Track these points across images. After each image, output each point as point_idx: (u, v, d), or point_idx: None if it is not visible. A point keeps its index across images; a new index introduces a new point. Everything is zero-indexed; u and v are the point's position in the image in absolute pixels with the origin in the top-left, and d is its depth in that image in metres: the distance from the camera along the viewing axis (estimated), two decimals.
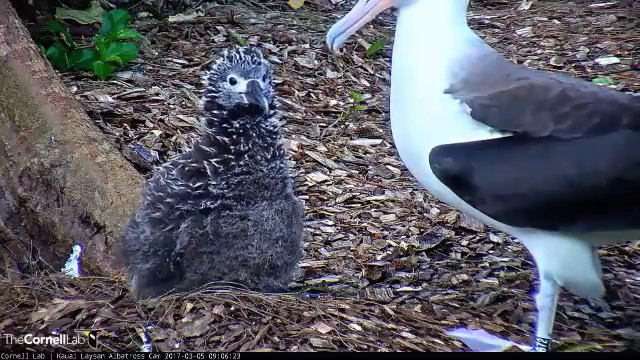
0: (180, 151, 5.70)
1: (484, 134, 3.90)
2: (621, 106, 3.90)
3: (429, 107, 3.96)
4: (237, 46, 4.31)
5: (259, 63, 4.20)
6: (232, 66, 4.21)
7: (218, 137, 4.21)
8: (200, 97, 4.39)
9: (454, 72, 3.98)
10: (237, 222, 4.21)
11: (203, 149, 4.24)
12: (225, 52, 4.26)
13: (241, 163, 4.20)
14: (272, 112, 4.24)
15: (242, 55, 4.21)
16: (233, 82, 4.21)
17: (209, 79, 4.26)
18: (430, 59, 4.00)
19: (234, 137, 4.20)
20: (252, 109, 4.20)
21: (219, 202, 4.19)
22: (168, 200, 4.22)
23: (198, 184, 4.20)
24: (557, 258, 3.93)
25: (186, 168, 4.24)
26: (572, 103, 3.88)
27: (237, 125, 4.20)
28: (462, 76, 3.97)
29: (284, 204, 4.27)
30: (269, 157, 4.23)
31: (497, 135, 3.89)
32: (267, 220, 4.23)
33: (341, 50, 7.40)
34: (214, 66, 4.26)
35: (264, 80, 4.20)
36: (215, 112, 4.22)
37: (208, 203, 4.19)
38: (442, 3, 4.01)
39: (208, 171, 4.19)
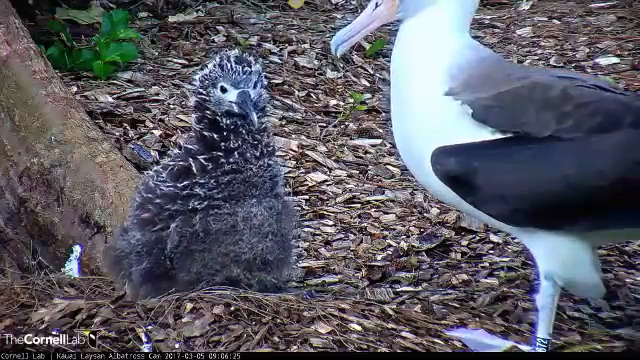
0: None
1: (486, 135, 3.89)
2: (624, 105, 3.89)
3: (430, 108, 3.96)
4: (229, 52, 4.29)
5: (250, 73, 4.18)
6: (223, 75, 4.19)
7: (206, 133, 4.21)
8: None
9: (453, 74, 3.97)
10: (226, 218, 4.21)
11: (189, 147, 4.24)
12: (217, 58, 4.23)
13: (230, 160, 4.20)
14: (260, 115, 4.23)
15: (233, 64, 4.19)
16: (224, 90, 4.20)
17: (200, 82, 4.24)
18: (429, 61, 4.00)
19: (224, 134, 4.20)
20: (242, 116, 4.20)
21: (206, 203, 4.19)
22: (157, 201, 4.23)
23: (185, 183, 4.20)
24: (557, 258, 3.92)
25: (175, 168, 4.24)
26: (574, 102, 3.88)
27: (228, 122, 4.20)
28: (462, 78, 3.97)
29: (273, 202, 4.27)
30: (258, 154, 4.23)
31: (499, 135, 3.89)
32: (256, 215, 4.23)
33: None
34: (206, 70, 4.24)
35: (255, 87, 4.20)
36: (205, 111, 4.23)
37: (196, 204, 4.20)
38: (444, 13, 4.02)
39: (194, 169, 4.19)
